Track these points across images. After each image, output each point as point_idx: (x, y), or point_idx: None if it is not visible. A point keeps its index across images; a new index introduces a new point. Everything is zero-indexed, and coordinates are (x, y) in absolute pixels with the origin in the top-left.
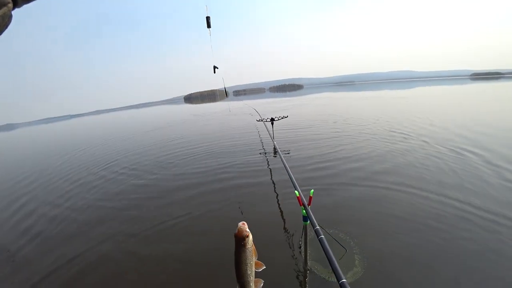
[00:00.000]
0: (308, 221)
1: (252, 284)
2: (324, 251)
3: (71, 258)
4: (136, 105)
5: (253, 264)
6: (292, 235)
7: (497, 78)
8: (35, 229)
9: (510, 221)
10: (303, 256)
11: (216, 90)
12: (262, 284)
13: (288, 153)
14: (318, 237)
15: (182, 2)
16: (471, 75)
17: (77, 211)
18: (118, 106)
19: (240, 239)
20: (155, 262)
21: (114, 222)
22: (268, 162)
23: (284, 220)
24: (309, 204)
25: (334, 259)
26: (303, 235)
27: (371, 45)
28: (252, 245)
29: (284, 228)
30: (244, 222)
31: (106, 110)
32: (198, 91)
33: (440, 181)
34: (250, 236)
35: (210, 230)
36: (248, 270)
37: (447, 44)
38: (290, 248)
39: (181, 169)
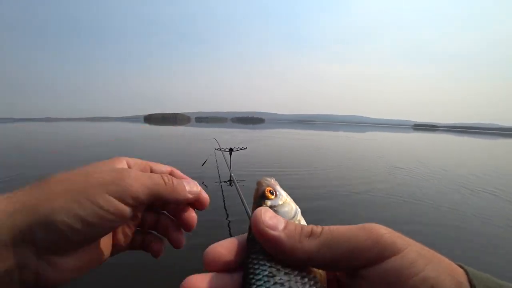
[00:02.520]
0: None
1: None
2: None
3: None
4: (92, 118)
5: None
6: None
7: (433, 130)
8: None
9: None
10: None
11: (177, 114)
12: None
13: (243, 181)
14: None
15: (157, 21)
16: (413, 125)
17: None
18: (72, 116)
19: (256, 198)
20: None
21: None
22: (222, 191)
23: None
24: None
25: None
26: None
27: (331, 88)
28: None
29: None
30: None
31: (57, 118)
32: (160, 112)
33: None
34: (282, 197)
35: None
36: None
37: (394, 96)
38: None
39: None
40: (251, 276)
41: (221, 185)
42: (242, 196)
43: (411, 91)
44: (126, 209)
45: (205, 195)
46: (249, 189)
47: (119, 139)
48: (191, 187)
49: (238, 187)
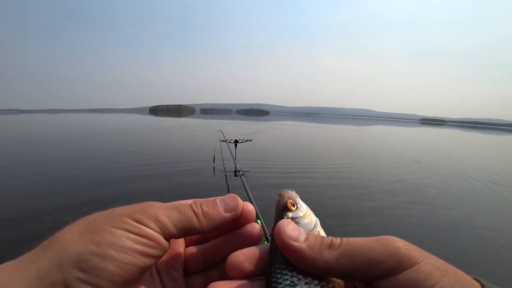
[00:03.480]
0: None
1: None
2: None
3: None
4: (96, 109)
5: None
6: None
7: (441, 125)
8: None
9: None
10: None
11: (182, 105)
12: None
13: (248, 172)
14: None
15: (164, 13)
16: (420, 120)
17: None
18: (76, 108)
19: (278, 210)
20: None
21: None
22: (227, 181)
23: None
24: (271, 234)
25: None
26: None
27: (337, 81)
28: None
29: None
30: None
31: (62, 110)
32: (165, 104)
33: None
34: (302, 209)
35: None
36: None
37: (401, 90)
38: None
39: (128, 177)
40: (274, 285)
41: (226, 175)
42: (247, 187)
43: (418, 86)
44: (156, 234)
45: (248, 207)
46: (253, 180)
47: (128, 130)
48: (227, 203)
49: (242, 178)
